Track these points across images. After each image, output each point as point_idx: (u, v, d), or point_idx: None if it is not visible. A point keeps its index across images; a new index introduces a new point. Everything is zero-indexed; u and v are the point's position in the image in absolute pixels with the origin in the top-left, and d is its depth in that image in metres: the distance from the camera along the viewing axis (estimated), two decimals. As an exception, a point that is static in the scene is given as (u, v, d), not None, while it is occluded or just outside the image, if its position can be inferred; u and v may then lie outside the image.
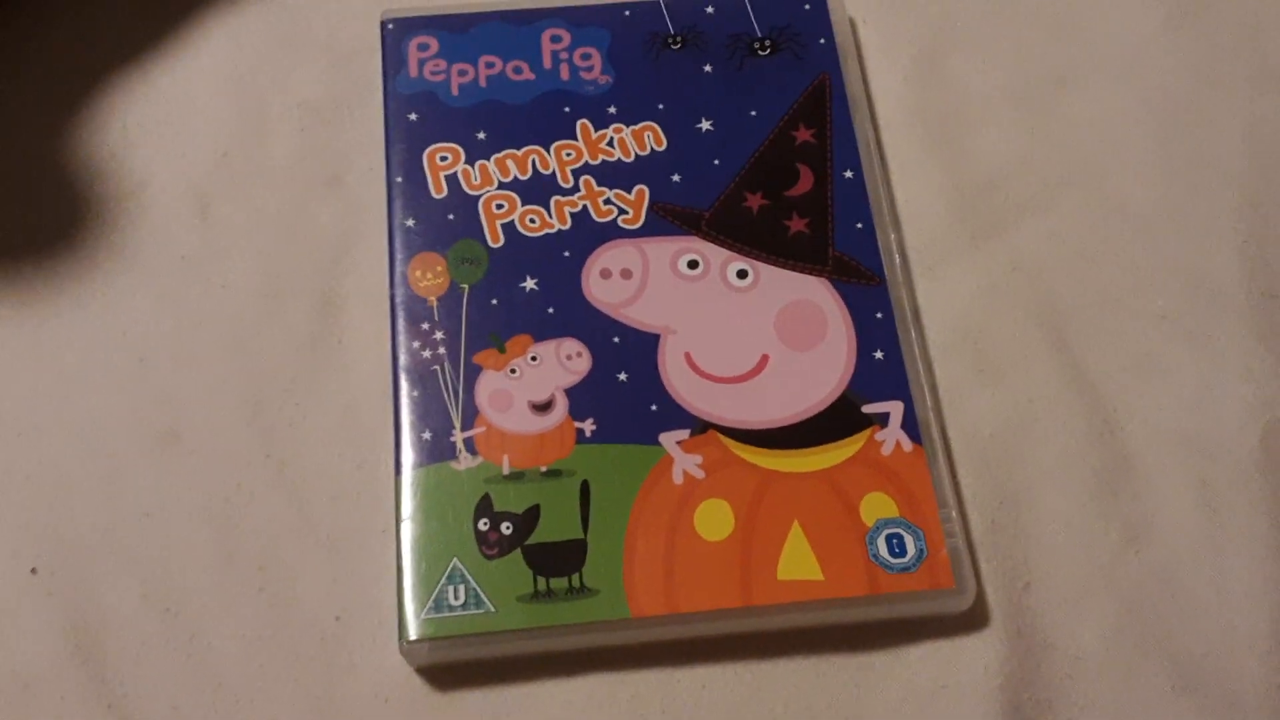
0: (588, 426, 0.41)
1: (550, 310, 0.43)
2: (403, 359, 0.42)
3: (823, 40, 0.48)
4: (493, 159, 0.46)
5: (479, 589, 0.39)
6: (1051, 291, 0.46)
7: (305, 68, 0.50)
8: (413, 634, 0.38)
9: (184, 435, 0.43)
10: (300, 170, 0.48)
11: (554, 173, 0.45)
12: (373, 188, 0.47)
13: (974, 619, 0.40)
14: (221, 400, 0.44)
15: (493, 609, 0.38)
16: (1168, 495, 0.42)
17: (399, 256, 0.44)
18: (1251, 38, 0.51)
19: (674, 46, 0.48)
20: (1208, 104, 0.49)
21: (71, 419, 0.43)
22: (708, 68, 0.48)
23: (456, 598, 0.39)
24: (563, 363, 0.42)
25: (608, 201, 0.45)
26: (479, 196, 0.45)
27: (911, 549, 0.40)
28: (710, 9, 0.49)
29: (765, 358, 0.43)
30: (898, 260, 0.45)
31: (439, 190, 0.45)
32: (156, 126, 0.49)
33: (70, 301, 0.45)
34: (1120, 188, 0.47)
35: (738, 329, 0.43)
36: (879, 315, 0.43)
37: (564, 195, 0.45)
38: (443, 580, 0.39)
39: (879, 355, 0.43)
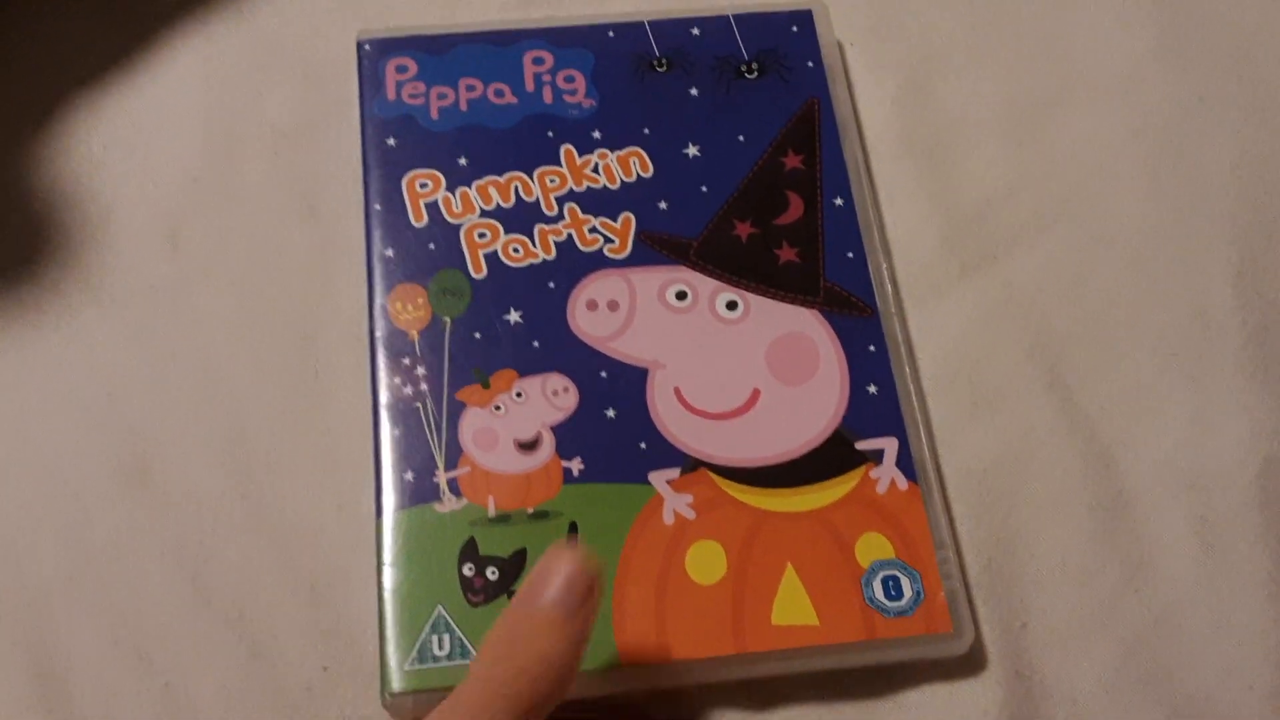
0: (575, 466, 0.40)
1: (535, 344, 0.42)
2: (383, 396, 0.41)
3: (811, 64, 0.47)
4: (474, 186, 0.44)
5: (464, 638, 0.37)
6: (1044, 323, 0.45)
7: (278, 90, 0.48)
8: (396, 686, 0.37)
9: (154, 473, 0.41)
10: (274, 196, 0.46)
11: (538, 200, 0.44)
12: (349, 214, 0.45)
13: (973, 661, 0.40)
14: (193, 437, 0.42)
15: None
16: (1166, 532, 0.42)
17: (378, 288, 0.43)
18: (1241, 65, 0.50)
19: (659, 69, 0.47)
20: (1198, 133, 0.48)
21: (34, 456, 0.42)
22: (694, 91, 0.47)
23: (441, 648, 0.37)
24: (549, 399, 0.41)
25: (593, 230, 0.44)
26: (460, 225, 0.44)
27: (908, 591, 0.39)
28: (696, 30, 0.48)
29: (756, 392, 0.42)
30: (890, 290, 0.44)
31: (419, 219, 0.44)
32: (124, 150, 0.47)
33: (33, 333, 0.44)
34: (1111, 217, 0.47)
35: (728, 363, 0.42)
36: (872, 348, 0.42)
37: (548, 224, 0.44)
38: (426, 629, 0.37)
39: (872, 389, 0.42)
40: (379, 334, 0.42)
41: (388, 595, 0.38)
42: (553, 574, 0.34)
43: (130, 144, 0.47)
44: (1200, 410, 0.43)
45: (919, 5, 0.51)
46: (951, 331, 0.45)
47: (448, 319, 0.42)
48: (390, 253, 0.43)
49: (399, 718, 0.37)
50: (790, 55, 0.47)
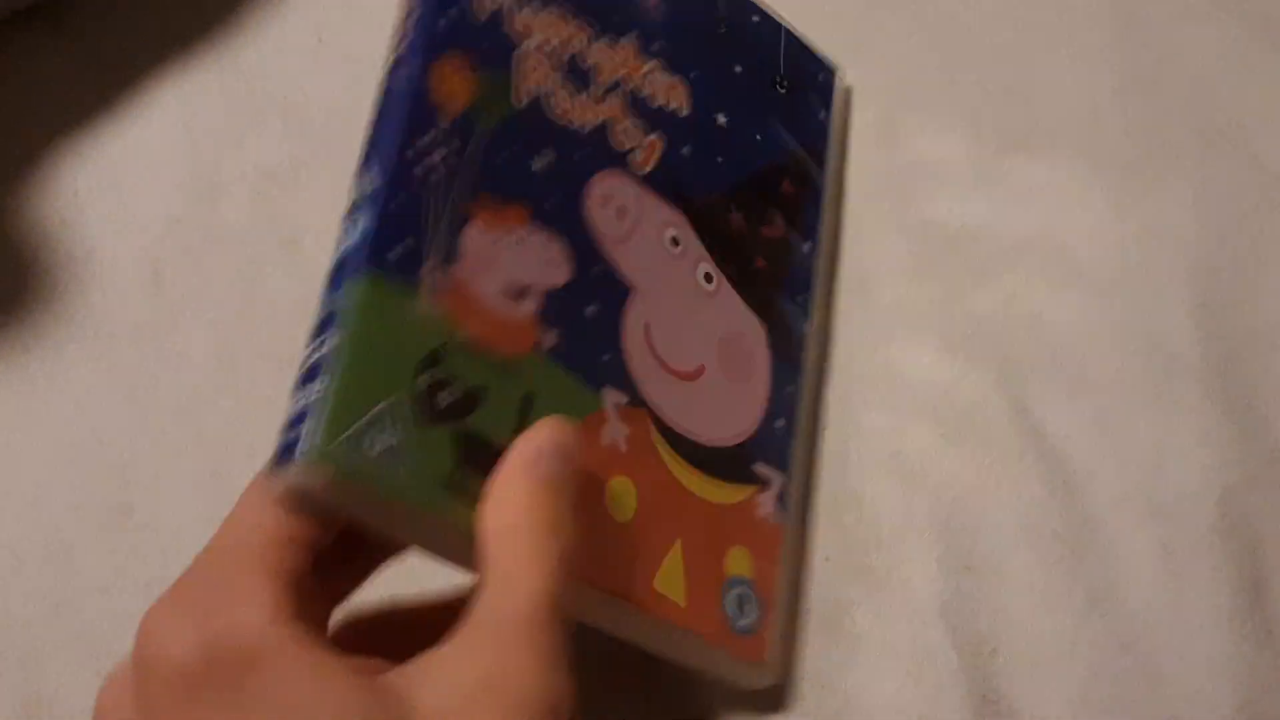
0: (549, 337, 0.37)
1: (553, 198, 0.38)
2: (394, 164, 0.35)
3: (822, 115, 0.48)
4: (540, 14, 0.40)
5: (400, 453, 0.32)
6: (1010, 355, 0.46)
7: (260, 130, 0.49)
8: (313, 454, 0.31)
9: (137, 509, 0.42)
10: (256, 234, 0.47)
11: (591, 69, 0.41)
12: (331, 251, 0.39)
13: (946, 685, 0.40)
14: (177, 472, 0.43)
15: (410, 482, 0.32)
16: (1130, 559, 0.42)
17: (419, 57, 0.36)
18: (1199, 102, 0.50)
19: (719, 29, 0.46)
20: (1160, 167, 0.49)
21: (20, 493, 0.42)
22: (738, 69, 0.46)
23: (372, 448, 0.32)
24: (544, 260, 0.37)
25: (627, 131, 0.41)
26: (517, 47, 0.39)
27: (751, 615, 0.39)
28: (756, 17, 0.47)
29: (702, 368, 0.41)
30: (814, 350, 0.45)
31: (481, 13, 0.39)
32: (106, 190, 0.48)
33: (18, 372, 0.44)
34: (1075, 251, 0.48)
35: (692, 327, 0.41)
36: (789, 389, 0.43)
37: (593, 99, 0.41)
38: (365, 422, 0.32)
39: (780, 424, 0.42)
40: (410, 99, 0.36)
41: (335, 361, 0.32)
42: (561, 448, 0.33)
43: (113, 184, 0.48)
44: (1162, 439, 0.45)
45: (889, 42, 0.52)
46: (921, 363, 0.46)
47: (481, 119, 0.37)
48: (444, 27, 0.37)
49: (295, 504, 0.31)
50: (809, 99, 0.48)
